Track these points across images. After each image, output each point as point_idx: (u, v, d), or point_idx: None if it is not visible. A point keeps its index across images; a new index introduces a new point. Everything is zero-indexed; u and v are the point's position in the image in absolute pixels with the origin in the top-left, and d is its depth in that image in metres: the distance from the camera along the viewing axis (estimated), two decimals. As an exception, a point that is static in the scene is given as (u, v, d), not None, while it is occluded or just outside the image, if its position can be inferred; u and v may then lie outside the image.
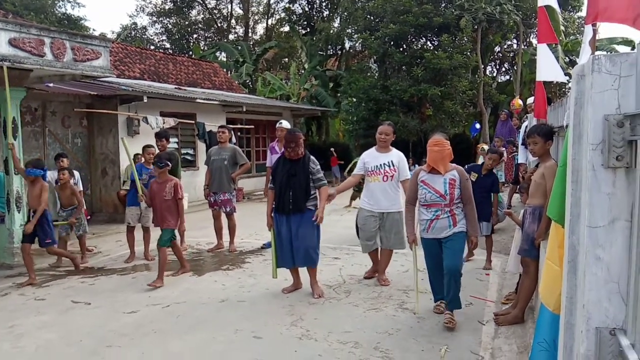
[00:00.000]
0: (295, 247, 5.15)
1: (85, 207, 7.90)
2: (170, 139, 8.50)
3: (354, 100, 20.22)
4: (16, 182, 7.07)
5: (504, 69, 27.29)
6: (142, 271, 6.61)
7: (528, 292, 4.30)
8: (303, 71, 24.15)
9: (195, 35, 34.16)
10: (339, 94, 22.97)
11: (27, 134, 9.82)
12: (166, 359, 3.83)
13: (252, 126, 15.78)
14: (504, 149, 11.09)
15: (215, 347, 4.01)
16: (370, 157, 5.54)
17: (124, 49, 15.82)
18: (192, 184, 12.64)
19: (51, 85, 9.11)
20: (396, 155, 5.53)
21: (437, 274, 4.47)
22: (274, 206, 5.27)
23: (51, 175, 7.82)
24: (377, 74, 21.00)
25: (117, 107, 11.12)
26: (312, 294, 5.18)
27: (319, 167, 5.29)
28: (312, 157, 5.30)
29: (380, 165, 5.45)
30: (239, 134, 14.69)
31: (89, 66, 7.36)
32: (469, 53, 18.90)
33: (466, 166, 8.17)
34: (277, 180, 5.21)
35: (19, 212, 6.97)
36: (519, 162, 8.45)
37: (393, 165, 5.44)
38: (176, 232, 6.19)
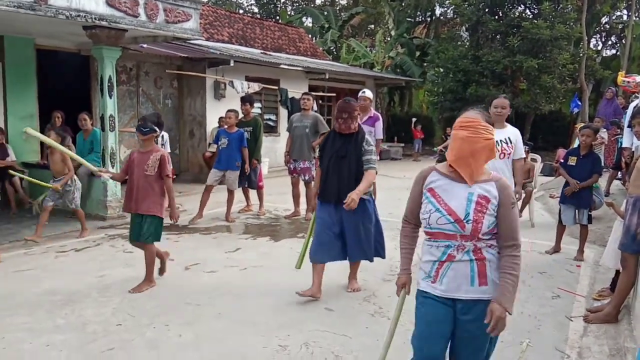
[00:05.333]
0: (350, 242, 4.43)
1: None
2: (255, 104, 8.61)
3: (441, 70, 19.36)
4: (111, 139, 7.47)
5: (610, 42, 25.09)
6: (222, 232, 6.83)
7: (624, 290, 3.96)
8: (389, 38, 23.48)
9: (282, 0, 34.21)
10: (425, 64, 22.12)
11: (123, 93, 10.34)
12: (241, 321, 3.91)
13: (334, 94, 15.64)
14: (605, 129, 10.24)
15: (288, 315, 4.04)
16: None
17: (213, 12, 16.12)
18: (273, 149, 12.85)
19: (145, 46, 9.49)
20: (512, 132, 5.06)
21: None
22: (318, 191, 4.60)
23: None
24: (467, 43, 19.95)
25: (205, 70, 11.43)
26: (347, 287, 4.63)
27: (373, 147, 4.47)
28: (367, 137, 4.49)
29: (498, 142, 4.89)
30: (320, 101, 14.64)
31: (179, 28, 7.57)
32: (572, 23, 17.38)
33: (563, 152, 7.51)
34: (324, 161, 4.45)
35: (112, 167, 7.37)
36: (623, 145, 7.74)
37: (510, 142, 4.96)
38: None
